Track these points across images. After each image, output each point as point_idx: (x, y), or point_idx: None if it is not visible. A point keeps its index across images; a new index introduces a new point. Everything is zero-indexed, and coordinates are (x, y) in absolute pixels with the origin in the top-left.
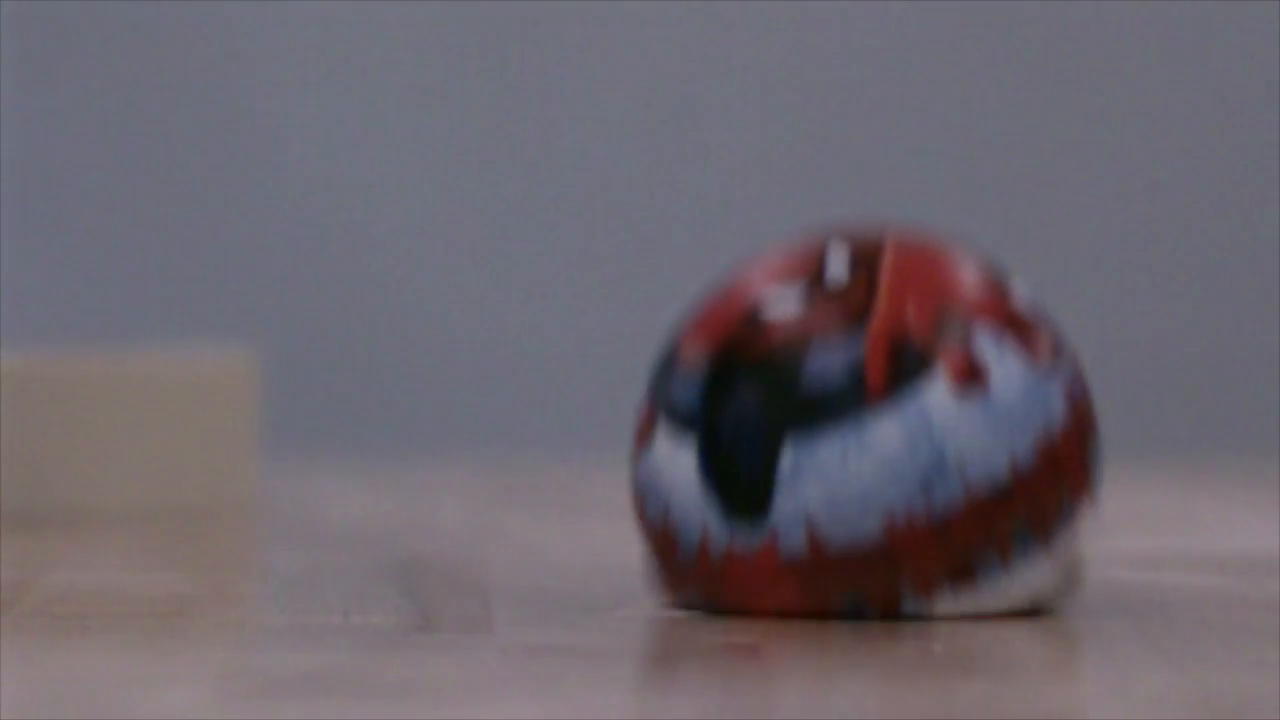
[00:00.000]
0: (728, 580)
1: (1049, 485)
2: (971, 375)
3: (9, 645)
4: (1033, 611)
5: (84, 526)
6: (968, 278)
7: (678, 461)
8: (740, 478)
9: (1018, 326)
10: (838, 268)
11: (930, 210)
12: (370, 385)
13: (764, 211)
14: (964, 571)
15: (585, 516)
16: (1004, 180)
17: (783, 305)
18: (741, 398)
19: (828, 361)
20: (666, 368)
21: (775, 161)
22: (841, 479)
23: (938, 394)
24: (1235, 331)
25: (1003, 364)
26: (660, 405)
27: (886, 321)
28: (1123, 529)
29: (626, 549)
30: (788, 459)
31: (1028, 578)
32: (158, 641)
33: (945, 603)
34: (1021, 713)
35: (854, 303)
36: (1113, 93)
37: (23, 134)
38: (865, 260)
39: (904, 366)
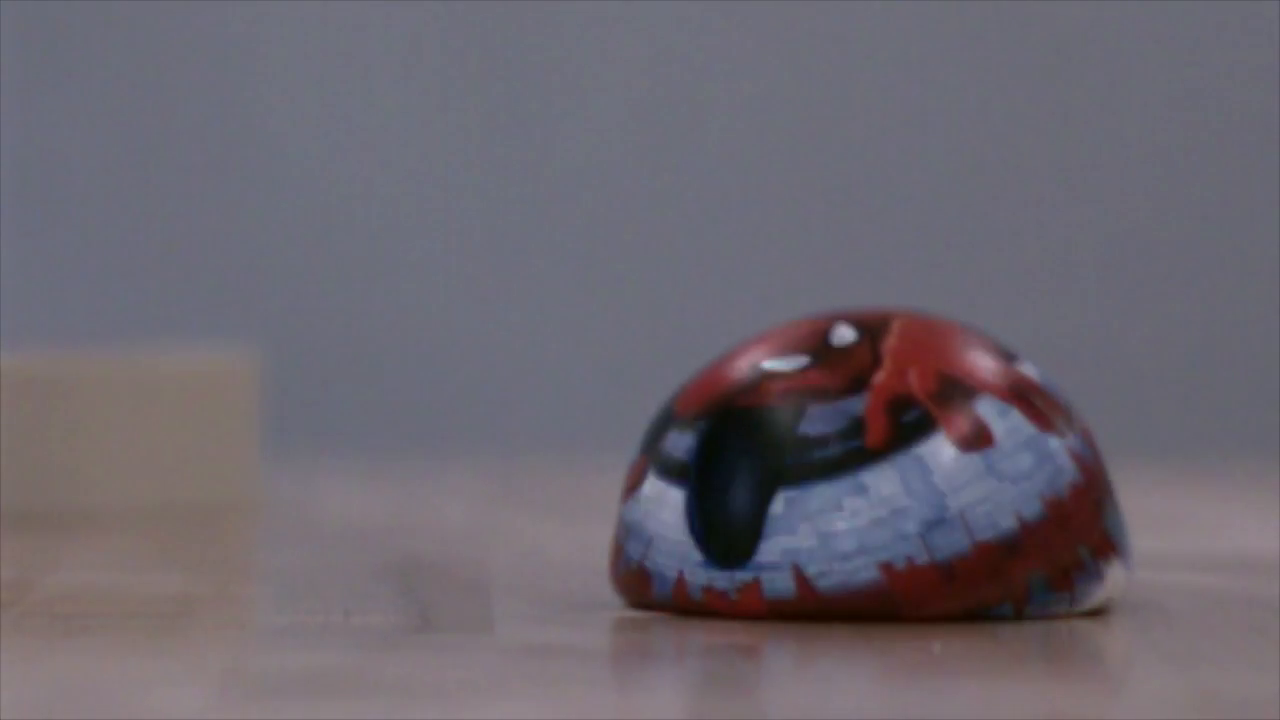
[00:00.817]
0: (704, 616)
1: (1062, 539)
2: (975, 436)
3: (9, 645)
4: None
5: (84, 526)
6: (974, 353)
7: (664, 507)
8: (727, 528)
9: (1023, 398)
10: (844, 335)
11: (930, 209)
12: (371, 385)
13: (764, 212)
14: (978, 619)
15: (585, 516)
16: (1005, 178)
17: (785, 366)
18: (735, 446)
19: (827, 414)
20: (661, 424)
21: (775, 162)
22: (836, 525)
23: (939, 447)
24: (1235, 331)
25: (1007, 424)
26: (652, 457)
27: (890, 381)
28: None
29: None
30: (778, 507)
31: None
32: (158, 641)
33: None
34: (1021, 713)
35: (857, 365)
36: (1111, 91)
37: (23, 134)
38: (871, 329)
39: (905, 423)
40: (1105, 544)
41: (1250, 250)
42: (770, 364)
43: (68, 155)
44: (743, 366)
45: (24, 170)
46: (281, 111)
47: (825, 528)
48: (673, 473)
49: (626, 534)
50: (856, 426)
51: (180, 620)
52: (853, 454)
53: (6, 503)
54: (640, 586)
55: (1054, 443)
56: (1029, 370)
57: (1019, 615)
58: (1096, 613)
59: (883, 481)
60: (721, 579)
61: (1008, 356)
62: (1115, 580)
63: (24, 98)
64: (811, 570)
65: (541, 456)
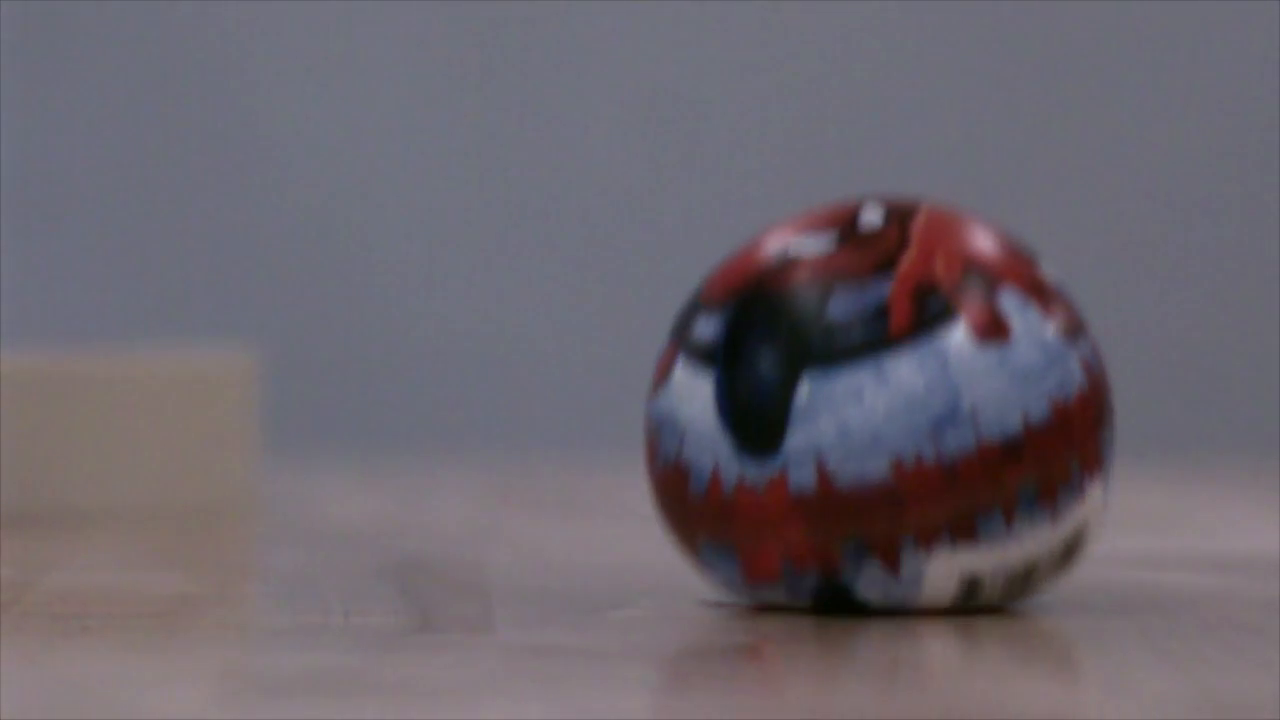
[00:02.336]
0: (737, 517)
1: (1060, 448)
2: (993, 328)
3: (9, 645)
4: (1025, 580)
5: (84, 526)
6: (997, 245)
7: (694, 395)
8: (755, 412)
9: (1042, 295)
10: (871, 218)
11: None
12: (370, 385)
13: (764, 211)
14: (966, 524)
15: (585, 516)
16: (1004, 182)
17: (812, 248)
18: (763, 332)
19: (852, 299)
20: (690, 311)
21: (775, 161)
22: (855, 415)
23: (958, 340)
24: (1235, 331)
25: (1025, 322)
26: (681, 344)
27: (915, 267)
28: (1123, 529)
29: (626, 549)
30: (804, 393)
31: (1027, 542)
32: (158, 641)
33: (943, 557)
34: (1021, 713)
35: (884, 249)
36: (1110, 94)
37: (23, 134)
38: (899, 216)
39: (928, 310)
40: (1095, 460)
41: (1250, 250)
42: (797, 246)
43: (68, 155)
44: (770, 250)
45: (24, 170)
46: (281, 111)
47: (846, 418)
48: (701, 358)
49: (659, 430)
50: (882, 311)
51: (180, 620)
52: (877, 340)
53: (6, 503)
54: (678, 484)
55: (1067, 347)
56: (1050, 273)
57: (1008, 522)
58: (1095, 609)
59: (903, 370)
60: (752, 471)
61: (1031, 255)
62: (1094, 501)
63: (24, 98)
64: (832, 463)
65: (541, 456)
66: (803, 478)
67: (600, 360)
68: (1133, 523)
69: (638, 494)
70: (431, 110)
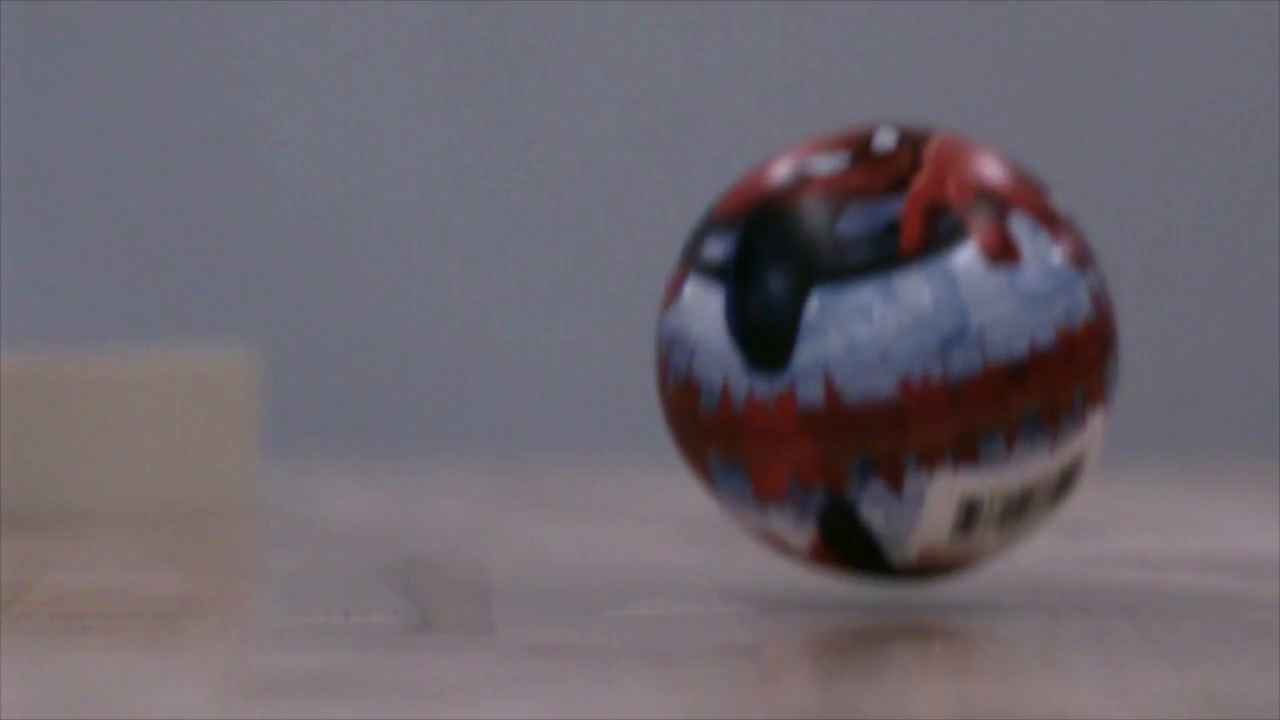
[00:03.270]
0: (747, 433)
1: (1065, 375)
2: (1003, 251)
3: (9, 645)
4: (1021, 508)
5: (84, 526)
6: (1009, 173)
7: (704, 312)
8: (764, 327)
9: (1052, 223)
10: (885, 140)
11: None
12: (370, 385)
13: None
14: (969, 445)
15: (585, 516)
16: None
17: (825, 166)
18: (773, 247)
19: (864, 216)
20: (701, 230)
21: None
22: (864, 332)
23: (968, 260)
24: (1235, 331)
25: (1035, 248)
26: (692, 262)
27: (927, 188)
28: (1123, 529)
29: (626, 549)
30: (813, 309)
31: (1027, 468)
32: (158, 641)
33: (945, 478)
34: (1021, 713)
35: (897, 169)
36: (1109, 93)
37: (23, 134)
38: (912, 140)
39: (939, 230)
40: (1099, 391)
41: (1250, 250)
42: (810, 165)
43: (68, 155)
44: (783, 169)
45: (24, 170)
46: (281, 111)
47: (854, 333)
48: (712, 274)
49: (670, 347)
50: (892, 229)
51: (180, 620)
52: (887, 257)
53: (6, 503)
54: (689, 401)
55: (1076, 276)
56: (1060, 204)
57: (1009, 446)
58: (1095, 609)
59: (912, 288)
60: (762, 386)
61: (1042, 186)
62: (1094, 433)
63: (24, 98)
64: (839, 379)
65: (541, 456)
66: (811, 393)
67: (600, 360)
68: (1133, 523)
69: (638, 494)
70: (432, 110)
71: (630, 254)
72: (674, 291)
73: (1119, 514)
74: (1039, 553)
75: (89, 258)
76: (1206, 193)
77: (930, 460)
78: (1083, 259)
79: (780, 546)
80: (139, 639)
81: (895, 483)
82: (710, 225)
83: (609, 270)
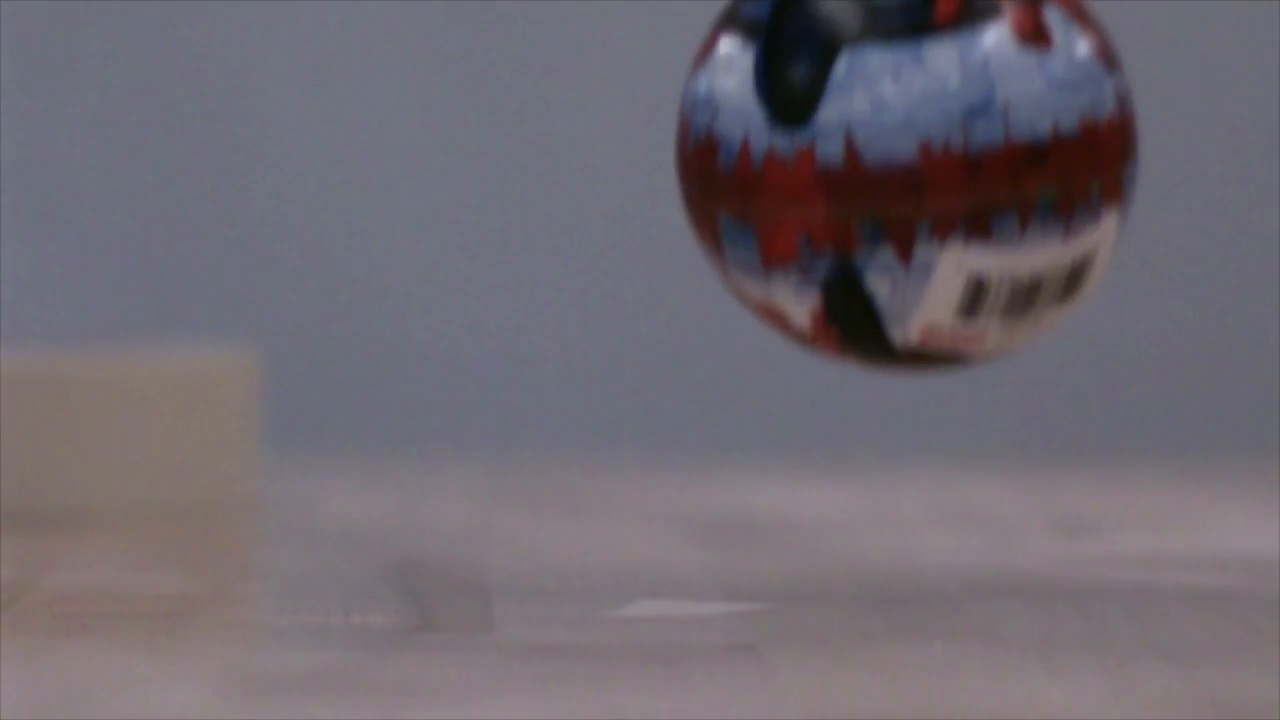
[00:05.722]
0: (761, 189)
1: (1084, 165)
2: (1036, 34)
3: (9, 645)
4: (1028, 297)
5: (84, 526)
6: None
7: (733, 69)
8: (791, 83)
9: (1084, 20)
10: None
11: None
12: (370, 385)
13: None
14: (982, 220)
15: (585, 516)
16: None
17: None
18: (809, 5)
19: None
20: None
21: None
22: (889, 94)
23: (1000, 37)
24: (1235, 331)
25: (1066, 38)
26: (729, 21)
27: None
28: (1123, 529)
29: (626, 549)
30: (841, 68)
31: (1037, 254)
32: (158, 641)
33: (955, 250)
34: (1022, 713)
35: None
36: None
37: (23, 134)
38: None
39: (974, 4)
40: (1116, 189)
41: (1250, 250)
42: None
43: (68, 155)
44: None
45: (24, 170)
46: (281, 111)
47: (880, 95)
48: (747, 32)
49: (693, 108)
50: None
51: (180, 620)
52: (920, 24)
53: (6, 503)
54: (707, 159)
55: (1103, 73)
56: (1093, 11)
57: (1023, 227)
58: (1095, 609)
59: (941, 56)
60: (782, 142)
61: None
62: (1107, 231)
63: (24, 98)
64: (860, 139)
65: (541, 456)
66: (830, 151)
67: (600, 360)
68: (1133, 523)
69: (638, 494)
70: (432, 110)
71: (631, 254)
72: (705, 52)
73: (1119, 514)
74: (1039, 553)
75: (88, 257)
76: (1206, 192)
77: (942, 230)
78: (1111, 60)
79: (780, 322)
80: (139, 639)
81: (905, 250)
82: None
83: (609, 270)
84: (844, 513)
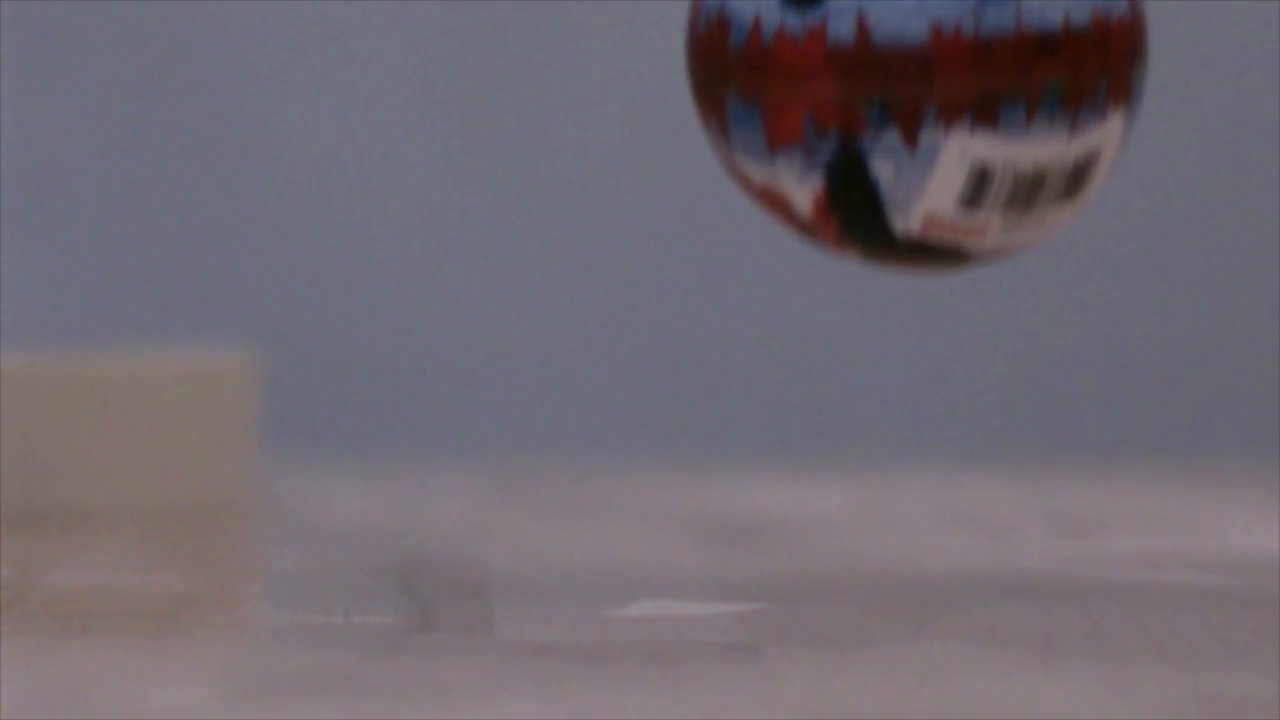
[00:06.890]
0: (770, 68)
1: (1093, 61)
2: None
3: (9, 645)
4: (1030, 191)
5: (84, 526)
6: None
7: None
8: None
9: None
10: None
11: None
12: (370, 385)
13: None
14: (989, 107)
15: (585, 516)
16: None
17: None
18: None
19: None
20: None
21: None
22: None
23: None
24: (1235, 331)
25: None
26: None
27: None
28: (1123, 529)
29: (626, 549)
30: None
31: (1041, 147)
32: (158, 641)
33: (960, 137)
34: (1021, 713)
35: None
36: None
37: (23, 134)
38: None
39: None
40: (1123, 90)
41: (1250, 250)
42: None
43: (68, 155)
44: None
45: (24, 170)
46: (282, 111)
47: None
48: None
49: None
50: None
51: (180, 620)
52: None
53: (7, 502)
54: (717, 39)
55: None
56: None
57: (1029, 117)
58: (1095, 609)
59: None
60: (793, 20)
61: None
62: (1112, 132)
63: (24, 98)
64: (871, 19)
65: (541, 457)
66: (842, 30)
67: (600, 360)
68: (1133, 523)
69: (638, 494)
70: (432, 110)
71: (631, 253)
72: None
73: (1119, 514)
74: (1039, 553)
75: (89, 258)
76: (1206, 192)
77: (949, 115)
78: None
79: (782, 209)
80: (139, 639)
81: (910, 134)
82: None
83: (609, 271)
84: (844, 513)
